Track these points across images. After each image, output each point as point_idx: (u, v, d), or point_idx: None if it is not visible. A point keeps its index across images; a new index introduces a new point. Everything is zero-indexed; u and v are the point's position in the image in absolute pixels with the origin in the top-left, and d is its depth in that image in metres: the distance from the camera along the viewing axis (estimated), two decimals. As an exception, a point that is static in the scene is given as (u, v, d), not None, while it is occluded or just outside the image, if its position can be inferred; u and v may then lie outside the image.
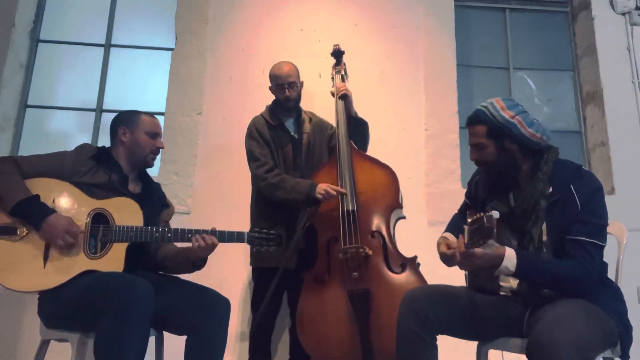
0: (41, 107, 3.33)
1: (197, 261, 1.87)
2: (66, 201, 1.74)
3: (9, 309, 2.76)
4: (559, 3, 3.82)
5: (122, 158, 1.91)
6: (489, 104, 1.65)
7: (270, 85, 2.56)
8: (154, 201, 1.97)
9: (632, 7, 3.51)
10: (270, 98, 2.62)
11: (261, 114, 2.56)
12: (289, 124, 2.54)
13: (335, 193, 2.23)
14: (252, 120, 2.56)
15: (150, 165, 1.97)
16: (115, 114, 1.98)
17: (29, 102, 3.31)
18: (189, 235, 1.81)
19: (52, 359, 2.70)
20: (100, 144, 1.98)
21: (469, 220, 1.57)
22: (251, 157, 2.46)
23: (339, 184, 2.29)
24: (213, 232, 1.82)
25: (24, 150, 3.21)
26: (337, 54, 2.67)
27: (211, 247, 1.80)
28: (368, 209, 2.26)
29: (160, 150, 1.96)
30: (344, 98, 2.49)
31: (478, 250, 1.44)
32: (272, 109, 2.56)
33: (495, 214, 1.38)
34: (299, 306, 2.25)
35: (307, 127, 2.55)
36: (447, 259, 1.66)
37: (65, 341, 1.71)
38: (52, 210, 1.69)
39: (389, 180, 2.31)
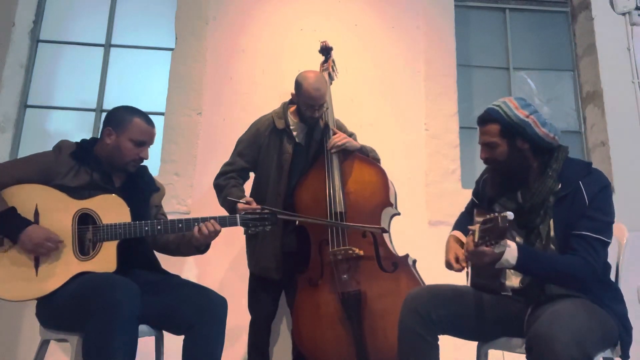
0: (41, 107, 3.33)
1: (201, 246, 1.86)
2: (50, 206, 1.70)
3: (9, 309, 2.75)
4: (559, 3, 3.81)
5: (102, 157, 1.83)
6: (502, 103, 1.63)
7: (294, 92, 2.37)
8: (140, 189, 1.92)
9: (632, 7, 3.51)
10: (270, 99, 2.61)
11: (272, 114, 2.43)
12: (301, 128, 2.42)
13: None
14: (261, 116, 2.47)
15: (130, 171, 1.88)
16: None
17: (29, 102, 3.31)
18: (179, 226, 1.78)
19: (52, 359, 2.71)
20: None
21: (479, 218, 1.58)
22: (234, 148, 2.43)
23: (328, 184, 2.26)
24: (205, 218, 1.80)
25: (24, 151, 3.21)
26: (325, 50, 2.59)
27: (213, 234, 1.80)
28: (357, 209, 2.24)
29: (142, 158, 1.86)
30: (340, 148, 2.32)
31: (487, 248, 1.44)
32: (286, 111, 2.42)
33: (510, 215, 1.36)
34: (294, 309, 2.26)
35: (319, 134, 2.43)
36: (452, 268, 1.71)
37: (65, 341, 1.72)
38: (28, 222, 1.65)
39: (378, 178, 2.29)
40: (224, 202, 2.30)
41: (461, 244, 1.81)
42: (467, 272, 1.78)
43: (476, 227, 1.48)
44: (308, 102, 2.30)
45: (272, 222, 1.87)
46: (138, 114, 1.85)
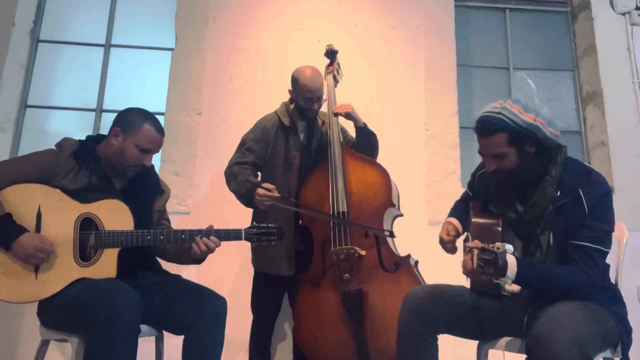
0: (41, 107, 3.33)
1: (198, 257, 1.84)
2: (53, 208, 1.67)
3: (9, 309, 2.75)
4: (559, 3, 3.82)
5: (104, 157, 1.80)
6: (503, 109, 1.54)
7: (291, 89, 2.42)
8: (144, 193, 1.89)
9: (632, 7, 3.52)
10: (270, 99, 2.61)
11: (275, 112, 2.46)
12: (301, 127, 2.46)
13: (270, 198, 2.14)
14: (264, 116, 2.48)
15: (129, 176, 1.83)
16: (116, 113, 1.85)
17: (29, 102, 3.31)
18: (182, 237, 1.76)
19: (52, 359, 2.71)
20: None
21: (476, 219, 1.60)
22: (238, 147, 2.42)
23: (331, 185, 2.26)
24: (209, 230, 1.78)
25: (24, 151, 3.21)
26: (331, 54, 2.61)
27: (212, 249, 1.79)
28: (360, 209, 2.24)
29: (145, 165, 1.82)
30: (347, 117, 2.40)
31: (485, 277, 1.41)
32: (288, 109, 2.45)
33: (510, 250, 1.35)
34: (296, 308, 2.27)
35: (318, 132, 2.48)
36: (445, 244, 1.74)
37: (65, 341, 1.71)
38: (22, 231, 1.62)
39: (381, 179, 2.29)
40: (239, 185, 2.25)
41: (454, 227, 1.83)
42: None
43: (475, 246, 1.43)
44: (306, 95, 2.34)
45: (279, 237, 1.83)
46: (149, 120, 1.80)
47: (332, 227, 2.21)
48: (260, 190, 2.14)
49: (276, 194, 2.15)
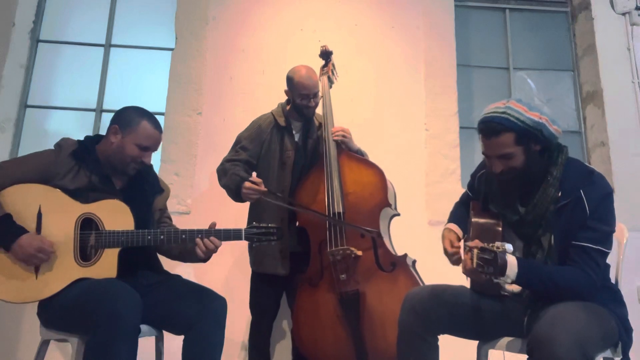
0: (41, 107, 3.33)
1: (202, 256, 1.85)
2: (53, 208, 1.68)
3: (9, 309, 2.75)
4: (559, 3, 3.81)
5: (104, 156, 1.80)
6: (508, 108, 1.52)
7: (287, 89, 2.43)
8: (143, 192, 1.89)
9: (632, 7, 3.52)
10: (270, 99, 2.61)
11: (271, 113, 2.47)
12: (297, 127, 2.47)
13: (256, 192, 2.15)
14: (260, 115, 2.50)
15: (129, 174, 1.84)
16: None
17: (29, 102, 3.31)
18: (183, 237, 1.77)
19: (52, 359, 2.71)
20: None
21: (475, 219, 1.60)
22: (233, 146, 2.44)
23: (327, 186, 2.26)
24: (209, 230, 1.79)
25: (24, 151, 3.21)
26: (325, 54, 2.61)
27: (214, 251, 1.79)
28: (356, 209, 2.24)
29: (145, 162, 1.82)
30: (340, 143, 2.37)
31: (484, 276, 1.42)
32: (284, 109, 2.47)
33: (509, 248, 1.36)
34: (294, 309, 2.27)
35: (314, 133, 2.48)
36: (450, 256, 1.71)
37: (65, 341, 1.72)
38: (22, 231, 1.62)
39: (376, 179, 2.29)
40: (228, 179, 2.26)
41: (456, 236, 1.82)
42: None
43: (474, 246, 1.44)
44: (302, 93, 2.35)
45: (279, 237, 1.84)
46: (147, 117, 1.82)
47: (328, 227, 2.21)
48: (247, 184, 2.16)
49: (263, 188, 2.16)
